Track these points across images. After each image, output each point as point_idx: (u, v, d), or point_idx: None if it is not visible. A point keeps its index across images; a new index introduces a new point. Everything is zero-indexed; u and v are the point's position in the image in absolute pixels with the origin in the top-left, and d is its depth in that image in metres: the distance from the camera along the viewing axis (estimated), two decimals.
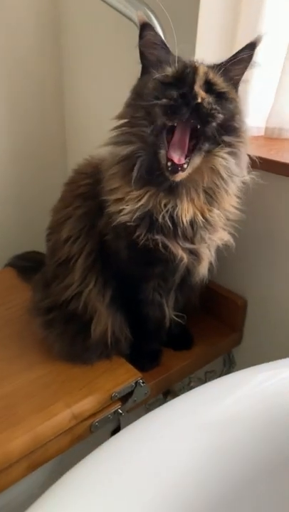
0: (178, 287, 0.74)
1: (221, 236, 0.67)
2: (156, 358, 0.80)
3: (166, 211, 0.61)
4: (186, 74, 0.58)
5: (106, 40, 1.02)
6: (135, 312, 0.74)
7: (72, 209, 0.73)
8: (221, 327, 0.91)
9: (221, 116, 0.58)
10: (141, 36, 0.61)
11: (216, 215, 0.64)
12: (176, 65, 0.60)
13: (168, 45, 0.77)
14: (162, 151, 0.60)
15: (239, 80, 0.63)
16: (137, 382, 0.72)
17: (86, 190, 0.72)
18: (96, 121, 1.15)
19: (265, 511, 0.53)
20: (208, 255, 0.68)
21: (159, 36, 0.62)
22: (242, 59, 0.61)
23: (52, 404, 0.66)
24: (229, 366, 0.97)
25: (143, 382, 0.72)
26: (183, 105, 0.56)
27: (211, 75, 0.59)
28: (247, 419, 0.50)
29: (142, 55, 0.63)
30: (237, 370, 0.97)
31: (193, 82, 0.57)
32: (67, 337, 0.74)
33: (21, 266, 1.03)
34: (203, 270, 0.70)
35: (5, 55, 1.08)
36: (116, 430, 0.93)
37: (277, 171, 0.71)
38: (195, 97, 0.56)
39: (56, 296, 0.74)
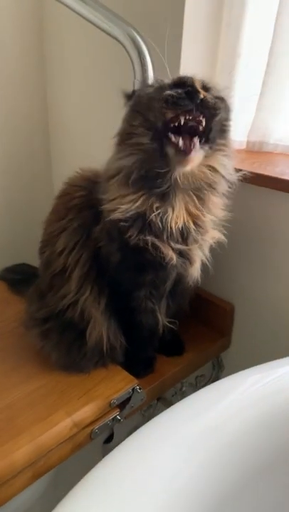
0: (169, 294, 0.76)
1: (213, 235, 0.70)
2: (150, 365, 0.82)
3: (158, 214, 0.64)
4: (185, 79, 0.61)
5: (91, 53, 1.05)
6: (129, 319, 0.76)
7: (67, 221, 0.74)
8: (210, 332, 0.94)
9: (222, 113, 0.62)
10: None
11: (208, 219, 0.67)
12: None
13: (153, 63, 0.82)
14: (168, 148, 0.61)
15: None
16: (134, 389, 0.74)
17: (80, 202, 0.74)
18: (81, 132, 1.17)
19: (265, 507, 0.56)
20: (200, 256, 0.71)
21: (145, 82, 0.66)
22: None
23: (52, 413, 0.67)
24: (218, 370, 1.01)
25: (140, 389, 0.74)
26: (187, 99, 0.58)
27: (206, 82, 0.63)
28: (242, 421, 0.53)
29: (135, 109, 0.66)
30: (226, 373, 1.01)
31: (194, 83, 0.60)
32: (64, 346, 0.76)
33: (11, 279, 1.04)
34: (195, 272, 0.72)
35: None
36: (110, 438, 0.95)
37: (261, 183, 0.75)
38: (198, 93, 0.59)
39: (52, 306, 0.75)
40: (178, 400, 1.01)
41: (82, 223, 0.73)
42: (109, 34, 0.84)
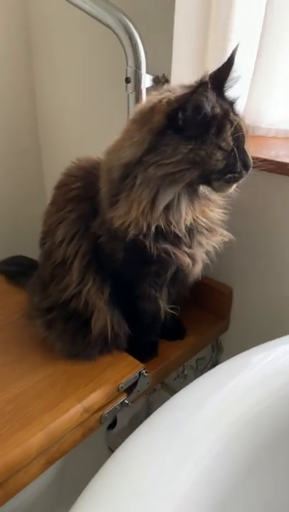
0: (170, 282, 0.77)
1: (220, 237, 0.73)
2: (154, 349, 0.83)
3: (171, 224, 0.65)
4: (240, 143, 0.63)
5: (79, 43, 1.04)
6: (132, 307, 0.77)
7: (65, 212, 0.74)
8: (210, 316, 0.96)
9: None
10: (202, 97, 0.58)
11: (215, 214, 0.69)
12: (230, 132, 0.61)
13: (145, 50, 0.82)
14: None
15: None
16: (140, 373, 0.75)
17: (78, 194, 0.74)
18: (70, 125, 1.17)
19: (277, 486, 0.58)
20: (203, 258, 0.73)
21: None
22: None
23: (62, 401, 0.68)
24: (217, 352, 1.03)
25: (146, 372, 0.76)
26: (245, 170, 0.64)
27: (245, 126, 0.64)
28: (252, 398, 0.54)
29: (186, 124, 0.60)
30: (225, 355, 1.03)
31: (244, 147, 0.64)
32: (68, 336, 0.76)
33: (9, 271, 1.03)
34: (197, 271, 0.74)
35: None
36: (113, 424, 0.96)
37: (258, 166, 0.76)
38: (250, 160, 0.64)
39: (56, 296, 0.76)
40: (180, 383, 1.04)
41: (80, 214, 0.73)
42: (100, 21, 0.83)
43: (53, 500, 0.96)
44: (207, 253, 0.73)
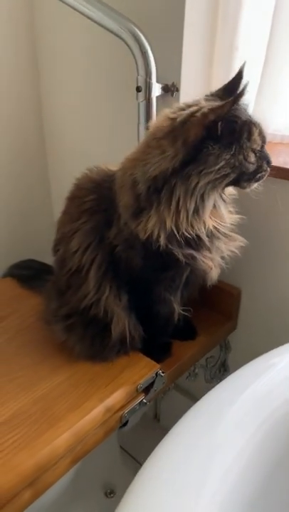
0: (183, 285, 0.80)
1: (238, 243, 0.77)
2: (168, 350, 0.86)
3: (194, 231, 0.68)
4: (264, 144, 0.68)
5: (87, 51, 1.06)
6: (148, 311, 0.80)
7: (80, 224, 0.76)
8: (218, 316, 0.99)
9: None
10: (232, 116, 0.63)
11: (232, 219, 0.73)
12: (257, 135, 0.67)
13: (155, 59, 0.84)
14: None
15: None
16: (157, 373, 0.78)
17: (91, 206, 0.76)
18: (77, 132, 1.18)
19: None
20: (220, 262, 0.76)
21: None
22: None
23: (85, 401, 0.71)
24: (226, 351, 1.06)
25: (163, 372, 0.79)
26: (267, 167, 0.70)
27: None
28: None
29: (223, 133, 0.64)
30: (233, 354, 1.07)
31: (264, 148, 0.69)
32: (88, 339, 0.79)
33: (21, 275, 1.06)
34: (215, 276, 0.77)
35: None
36: (124, 425, 0.99)
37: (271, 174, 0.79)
38: (271, 161, 0.70)
39: (74, 303, 0.78)
40: (192, 381, 1.07)
41: (94, 226, 0.75)
42: (111, 31, 0.85)
43: (69, 499, 0.99)
44: (223, 257, 0.76)
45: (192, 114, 0.64)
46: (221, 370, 1.07)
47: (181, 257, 0.69)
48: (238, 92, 0.64)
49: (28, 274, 1.06)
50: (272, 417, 0.53)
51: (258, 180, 0.70)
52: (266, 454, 0.52)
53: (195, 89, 0.91)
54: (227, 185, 0.68)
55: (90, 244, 0.75)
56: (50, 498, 0.90)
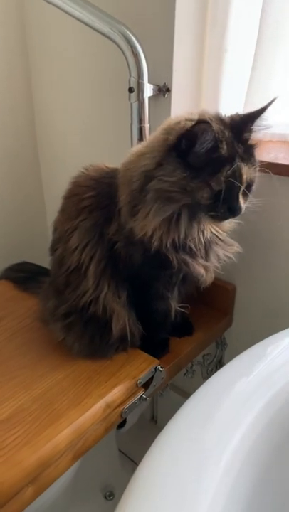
0: (180, 283, 0.81)
1: (235, 249, 0.79)
2: (166, 346, 0.87)
3: (193, 236, 0.70)
4: (233, 189, 0.65)
5: (78, 54, 1.07)
6: (146, 307, 0.81)
7: (79, 221, 0.76)
8: (214, 312, 1.00)
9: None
10: (197, 135, 0.61)
11: (230, 226, 0.75)
12: (224, 177, 0.63)
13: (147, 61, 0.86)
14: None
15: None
16: (156, 368, 0.79)
17: (90, 203, 0.76)
18: (70, 135, 1.20)
19: None
20: (216, 267, 0.78)
21: (213, 131, 0.61)
22: (256, 121, 0.68)
23: (85, 397, 0.71)
24: (222, 348, 1.07)
25: (162, 367, 0.79)
26: (230, 215, 0.68)
27: (250, 176, 0.67)
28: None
29: (187, 151, 0.63)
30: (229, 350, 1.08)
31: (238, 196, 0.66)
32: (87, 337, 0.79)
33: (16, 277, 1.06)
34: (208, 280, 0.79)
35: None
36: (122, 423, 0.99)
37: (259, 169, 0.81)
38: (240, 209, 0.67)
39: (73, 302, 0.79)
40: (189, 378, 1.07)
41: (94, 223, 0.76)
42: (103, 34, 0.87)
43: (69, 502, 0.98)
44: (220, 262, 0.78)
45: (180, 122, 0.65)
46: (218, 367, 1.08)
47: (174, 260, 0.71)
48: (198, 120, 0.61)
49: (24, 276, 1.06)
50: (273, 401, 0.54)
51: (212, 218, 0.68)
52: (267, 440, 0.53)
53: (186, 89, 0.93)
54: (193, 207, 0.66)
55: (89, 241, 0.76)
56: (49, 500, 0.90)
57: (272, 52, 0.86)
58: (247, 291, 0.98)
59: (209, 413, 0.52)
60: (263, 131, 0.93)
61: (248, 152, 0.66)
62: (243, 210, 0.68)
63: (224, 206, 0.66)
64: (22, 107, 1.22)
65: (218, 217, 0.68)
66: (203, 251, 0.74)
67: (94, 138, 1.13)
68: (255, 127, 0.68)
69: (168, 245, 0.69)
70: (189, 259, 0.72)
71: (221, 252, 0.77)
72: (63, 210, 0.81)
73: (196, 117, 0.66)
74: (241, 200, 0.67)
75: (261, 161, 0.81)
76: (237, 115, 0.68)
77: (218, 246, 0.76)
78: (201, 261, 0.74)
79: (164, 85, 0.91)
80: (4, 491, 0.58)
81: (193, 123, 0.61)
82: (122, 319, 0.77)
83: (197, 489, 0.45)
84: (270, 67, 0.88)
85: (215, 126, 0.62)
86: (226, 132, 0.64)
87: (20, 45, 1.16)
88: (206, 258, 0.75)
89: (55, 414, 0.68)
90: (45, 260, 0.93)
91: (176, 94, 0.91)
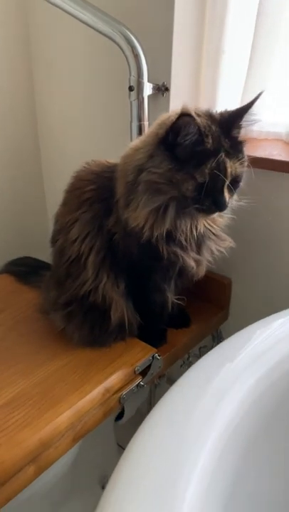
0: (177, 275, 0.83)
1: (228, 243, 0.81)
2: (164, 337, 0.89)
3: (184, 230, 0.72)
4: (217, 182, 0.66)
5: (79, 53, 1.10)
6: (144, 297, 0.83)
7: (80, 213, 0.79)
8: (210, 306, 1.03)
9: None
10: (180, 128, 0.63)
11: (224, 220, 0.78)
12: (208, 169, 0.65)
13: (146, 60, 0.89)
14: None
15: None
16: (153, 356, 0.81)
17: (91, 196, 0.79)
18: (70, 132, 1.23)
19: None
20: (208, 261, 0.80)
21: (197, 124, 0.63)
22: (245, 116, 0.69)
23: (84, 383, 0.74)
24: (218, 341, 1.09)
25: (159, 356, 0.82)
26: (215, 208, 0.69)
27: (235, 170, 0.68)
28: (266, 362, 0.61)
29: (174, 144, 0.65)
30: None
31: (223, 189, 0.67)
32: (87, 325, 0.82)
33: (18, 271, 1.08)
34: (200, 273, 0.82)
35: None
36: (120, 415, 1.01)
37: (253, 165, 0.83)
38: (225, 202, 0.68)
39: (73, 291, 0.81)
40: (185, 370, 1.10)
41: (94, 215, 0.78)
42: (104, 34, 0.90)
43: (67, 492, 1.00)
44: (213, 256, 0.81)
45: (170, 117, 0.68)
46: None
47: (164, 252, 0.73)
48: (181, 113, 0.62)
49: (25, 270, 1.08)
50: (270, 373, 0.57)
51: (198, 211, 0.69)
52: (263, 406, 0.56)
53: (184, 88, 0.96)
54: (181, 200, 0.68)
55: (89, 232, 0.78)
56: (48, 490, 0.91)
57: (268, 52, 0.89)
58: (243, 286, 1.01)
59: (195, 395, 0.54)
60: (258, 130, 0.98)
61: (234, 147, 0.68)
62: (228, 205, 0.69)
63: (209, 199, 0.67)
64: (24, 104, 1.25)
65: (204, 211, 0.69)
66: (194, 245, 0.76)
67: (94, 135, 1.16)
68: (244, 122, 0.70)
69: (158, 236, 0.71)
70: (180, 252, 0.74)
71: (213, 247, 0.79)
72: (65, 203, 0.84)
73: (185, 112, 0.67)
74: (226, 194, 0.68)
75: (256, 157, 0.84)
76: (226, 112, 0.70)
77: (212, 240, 0.79)
78: (192, 254, 0.76)
79: (163, 84, 0.94)
80: (6, 469, 0.60)
81: (179, 115, 0.63)
82: (121, 308, 0.80)
83: (180, 468, 0.47)
84: (266, 67, 0.91)
85: (201, 120, 0.64)
86: (213, 127, 0.66)
87: (23, 45, 1.19)
88: (198, 252, 0.77)
89: (55, 398, 0.71)
90: (45, 255, 0.96)
91: (175, 93, 0.94)
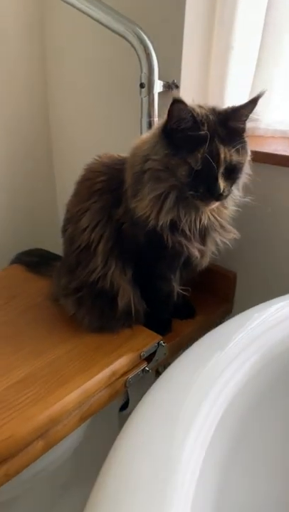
0: (182, 266, 0.86)
1: (232, 235, 0.83)
2: (169, 325, 0.92)
3: (187, 221, 0.74)
4: (210, 168, 0.68)
5: (92, 50, 1.14)
6: (150, 286, 0.86)
7: (90, 203, 0.82)
8: (215, 299, 1.05)
9: (233, 190, 0.74)
10: (172, 113, 0.67)
11: (229, 212, 0.80)
12: (201, 154, 0.67)
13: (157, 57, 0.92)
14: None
15: (245, 120, 0.72)
16: (159, 343, 0.84)
17: (102, 187, 0.82)
18: (82, 128, 1.26)
19: None
20: (212, 251, 0.83)
21: (189, 110, 0.66)
22: (246, 112, 0.70)
23: (92, 366, 0.77)
24: None
25: (164, 343, 0.84)
26: (209, 195, 0.70)
27: (230, 158, 0.69)
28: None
29: (170, 130, 0.68)
30: None
31: (217, 176, 0.68)
32: (96, 311, 0.85)
33: (29, 261, 1.12)
34: (204, 263, 0.84)
35: None
36: (124, 406, 1.04)
37: (259, 160, 0.85)
38: (218, 189, 0.69)
39: (83, 278, 0.84)
40: None
41: (104, 205, 0.81)
42: (117, 33, 0.93)
43: (69, 477, 1.03)
44: (217, 248, 0.83)
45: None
46: None
47: (169, 241, 0.76)
48: (173, 100, 0.65)
49: (36, 260, 1.12)
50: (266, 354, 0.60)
51: (194, 198, 0.70)
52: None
53: (194, 86, 0.99)
54: (180, 192, 0.71)
55: (98, 222, 0.81)
56: (53, 471, 0.94)
57: (276, 51, 0.92)
58: (248, 279, 1.03)
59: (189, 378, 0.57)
60: (264, 128, 1.00)
61: (231, 136, 0.69)
62: (224, 193, 0.70)
63: (203, 186, 0.69)
64: (36, 101, 1.29)
65: (200, 198, 0.70)
66: (198, 235, 0.78)
67: (106, 131, 1.20)
68: (244, 117, 0.70)
69: (162, 225, 0.74)
70: (184, 241, 0.77)
71: (218, 238, 0.81)
72: (76, 194, 0.87)
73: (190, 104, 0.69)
74: (221, 181, 0.69)
75: (261, 152, 0.87)
76: (229, 107, 0.72)
77: (216, 232, 0.81)
78: (197, 244, 0.78)
79: (173, 82, 0.97)
80: (17, 441, 0.64)
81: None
82: (128, 295, 0.83)
83: (170, 450, 0.49)
84: (274, 66, 0.93)
85: (199, 110, 0.68)
86: (211, 117, 0.68)
87: (38, 44, 1.23)
88: (203, 242, 0.80)
89: (64, 379, 0.74)
90: (56, 248, 0.99)
91: (184, 90, 0.97)
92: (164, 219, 0.74)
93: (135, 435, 0.52)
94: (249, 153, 0.74)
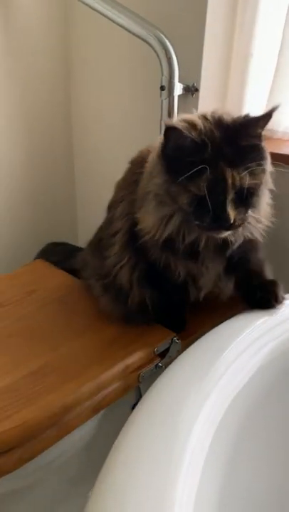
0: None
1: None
2: (182, 324, 0.93)
3: (187, 241, 0.71)
4: (217, 196, 0.60)
5: (114, 53, 1.17)
6: (163, 287, 0.86)
7: (126, 194, 0.81)
8: (228, 301, 1.05)
9: (248, 220, 0.66)
10: (167, 140, 0.62)
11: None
12: (203, 181, 0.59)
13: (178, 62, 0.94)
14: None
15: (260, 136, 0.64)
16: (172, 340, 0.85)
17: (137, 178, 0.77)
18: (104, 130, 1.29)
19: None
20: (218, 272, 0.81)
21: (187, 137, 0.59)
22: (259, 126, 0.63)
23: (107, 358, 0.79)
24: None
25: (178, 339, 0.86)
26: (218, 226, 0.63)
27: (240, 181, 0.60)
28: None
29: (168, 156, 0.63)
30: None
31: (225, 205, 0.60)
32: (119, 301, 0.86)
33: (52, 256, 1.15)
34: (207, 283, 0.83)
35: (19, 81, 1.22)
36: (137, 403, 1.05)
37: (278, 161, 0.86)
38: (227, 219, 0.61)
39: (108, 267, 0.84)
40: None
41: (135, 199, 0.79)
42: (139, 37, 0.96)
43: (80, 471, 1.04)
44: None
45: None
46: None
47: (159, 258, 0.76)
48: (166, 126, 0.60)
49: (60, 257, 1.14)
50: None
51: (200, 228, 0.64)
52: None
53: (213, 89, 1.01)
54: (186, 217, 0.66)
55: (127, 214, 0.80)
56: (65, 460, 0.96)
57: None
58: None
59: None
60: (283, 131, 1.01)
61: (241, 155, 0.60)
62: (237, 222, 0.62)
63: (208, 215, 0.61)
64: (60, 102, 1.32)
65: (205, 228, 0.63)
66: (192, 255, 0.73)
67: (126, 132, 1.22)
68: (256, 132, 0.63)
69: (158, 243, 0.72)
70: (171, 257, 0.75)
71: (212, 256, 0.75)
72: (125, 176, 0.85)
73: (193, 118, 0.64)
74: (231, 211, 0.61)
75: (280, 154, 0.88)
76: (240, 118, 0.63)
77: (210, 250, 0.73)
78: (190, 264, 0.76)
79: (193, 85, 0.99)
80: (31, 427, 0.66)
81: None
82: (141, 292, 0.84)
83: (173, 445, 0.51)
84: None
85: (200, 124, 0.61)
86: (216, 133, 0.61)
87: (63, 47, 1.26)
88: (202, 263, 0.75)
89: (79, 370, 0.76)
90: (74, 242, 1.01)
91: (204, 93, 0.99)
92: (163, 237, 0.71)
93: (140, 428, 0.54)
94: (269, 169, 0.67)
